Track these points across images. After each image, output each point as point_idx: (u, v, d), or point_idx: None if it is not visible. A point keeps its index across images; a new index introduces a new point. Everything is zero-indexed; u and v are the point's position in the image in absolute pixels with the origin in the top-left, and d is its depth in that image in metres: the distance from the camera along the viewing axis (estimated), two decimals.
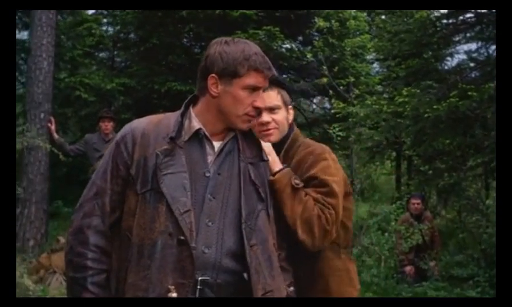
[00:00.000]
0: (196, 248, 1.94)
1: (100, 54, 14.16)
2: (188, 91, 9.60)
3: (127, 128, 2.16)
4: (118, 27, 13.40)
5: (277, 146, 2.47)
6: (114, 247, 2.06)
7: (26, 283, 7.00)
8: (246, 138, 2.19)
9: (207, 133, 2.10)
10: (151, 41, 11.20)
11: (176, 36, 11.61)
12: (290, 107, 2.60)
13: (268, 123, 2.49)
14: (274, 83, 2.50)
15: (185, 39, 12.25)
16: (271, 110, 2.51)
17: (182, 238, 1.93)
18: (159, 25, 11.20)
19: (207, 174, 2.05)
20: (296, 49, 11.45)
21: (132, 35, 13.26)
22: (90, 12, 13.54)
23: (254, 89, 2.10)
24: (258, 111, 2.22)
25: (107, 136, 8.05)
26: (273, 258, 2.09)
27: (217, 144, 2.11)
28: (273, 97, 2.51)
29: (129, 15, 11.90)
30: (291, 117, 2.61)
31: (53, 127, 8.51)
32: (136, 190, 2.01)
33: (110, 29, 14.12)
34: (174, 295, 1.90)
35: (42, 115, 8.61)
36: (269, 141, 2.45)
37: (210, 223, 1.99)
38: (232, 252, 2.00)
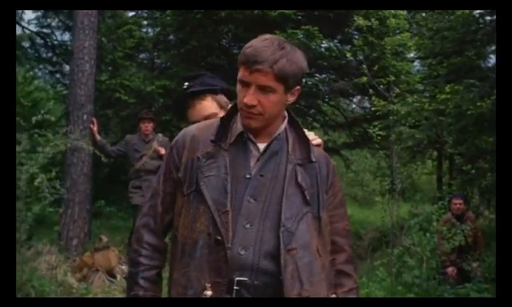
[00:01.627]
0: (232, 249, 1.96)
1: (140, 56, 14.34)
2: None
3: (180, 132, 2.24)
4: (158, 29, 13.55)
5: None
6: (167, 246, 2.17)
7: (70, 281, 7.15)
8: (296, 138, 2.17)
9: (250, 135, 2.10)
10: (190, 43, 11.30)
11: (215, 37, 11.68)
12: (230, 106, 2.61)
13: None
14: (207, 91, 2.55)
15: (224, 40, 12.33)
16: (209, 118, 2.51)
17: (219, 238, 1.97)
18: (198, 27, 11.28)
19: (247, 176, 2.05)
20: (335, 48, 11.40)
21: (171, 37, 13.39)
22: (130, 14, 13.74)
23: (242, 84, 2.06)
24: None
25: (147, 137, 8.14)
26: (314, 264, 2.05)
27: (261, 146, 2.10)
28: (207, 106, 2.57)
29: (169, 16, 12.01)
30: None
31: (95, 128, 8.66)
32: (183, 191, 2.09)
33: (150, 30, 14.30)
34: (209, 293, 1.95)
35: (85, 116, 8.76)
36: None
37: (248, 225, 2.00)
38: (270, 255, 1.99)
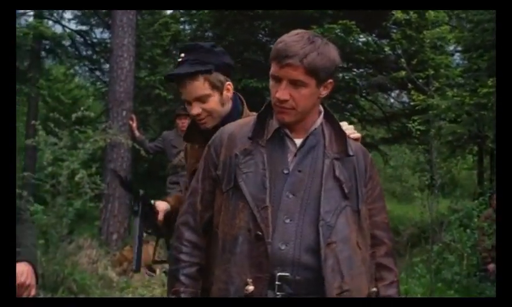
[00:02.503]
0: (272, 244, 1.98)
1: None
2: (264, 88, 9.64)
3: (218, 131, 2.27)
4: (195, 26, 13.63)
5: (218, 126, 2.45)
6: (207, 243, 2.19)
7: (110, 275, 7.27)
8: (332, 133, 2.16)
9: (287, 130, 2.11)
10: (227, 39, 11.33)
11: (252, 33, 11.69)
12: (228, 83, 2.54)
13: (198, 114, 2.50)
14: (200, 72, 2.45)
15: (260, 36, 12.32)
16: (200, 99, 2.47)
17: (259, 233, 1.98)
18: (234, 23, 11.31)
19: (285, 172, 2.06)
20: (373, 42, 11.28)
21: (208, 33, 13.46)
22: (168, 11, 13.86)
23: (274, 79, 2.07)
24: (187, 102, 2.47)
25: (183, 133, 8.20)
26: (354, 257, 2.05)
27: (298, 141, 2.11)
28: (198, 87, 2.46)
29: (205, 13, 12.07)
30: (229, 93, 2.56)
31: (134, 125, 8.76)
32: (222, 189, 2.11)
33: (187, 27, 14.40)
34: (251, 288, 1.97)
35: (124, 113, 8.88)
36: (205, 129, 2.51)
37: (288, 220, 2.01)
38: (311, 250, 1.99)
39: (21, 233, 2.43)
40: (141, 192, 2.67)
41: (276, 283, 1.97)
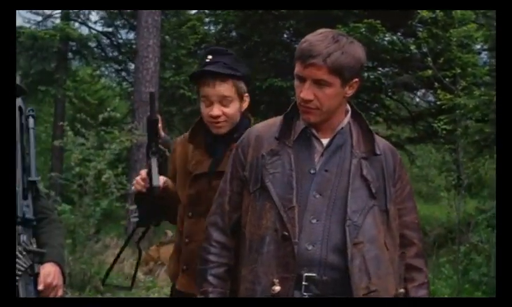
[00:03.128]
0: (299, 244, 1.97)
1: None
2: (289, 88, 9.63)
3: (245, 132, 2.26)
4: (220, 26, 13.67)
5: (228, 135, 2.47)
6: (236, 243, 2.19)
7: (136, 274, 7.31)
8: (360, 132, 2.14)
9: (313, 130, 2.10)
10: (252, 39, 11.35)
11: (277, 33, 11.69)
12: (246, 94, 2.53)
13: (218, 116, 2.45)
14: (229, 76, 2.44)
15: (285, 36, 12.33)
16: (222, 102, 2.45)
17: (286, 233, 1.98)
18: (259, 23, 11.32)
19: (312, 172, 2.05)
20: (398, 41, 11.22)
21: (233, 33, 13.49)
22: (193, 11, 13.92)
23: (299, 79, 2.05)
24: (209, 102, 2.42)
25: None
26: (382, 257, 2.02)
27: (325, 141, 2.09)
28: (225, 89, 2.44)
29: (230, 13, 12.10)
30: (245, 104, 2.55)
31: (160, 125, 8.81)
32: (249, 189, 2.11)
33: (212, 27, 14.45)
34: (277, 288, 1.96)
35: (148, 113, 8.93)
36: (218, 133, 2.48)
37: (314, 220, 2.00)
38: (338, 250, 1.98)
39: (48, 234, 2.44)
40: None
41: (303, 283, 1.96)
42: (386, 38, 11.00)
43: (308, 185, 2.03)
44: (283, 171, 2.05)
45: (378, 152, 2.11)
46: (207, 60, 2.47)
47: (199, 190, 2.48)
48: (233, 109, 2.47)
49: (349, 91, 2.08)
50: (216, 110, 2.44)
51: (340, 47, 1.99)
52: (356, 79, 2.07)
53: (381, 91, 11.94)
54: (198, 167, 2.50)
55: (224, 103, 2.44)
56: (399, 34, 11.90)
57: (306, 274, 1.96)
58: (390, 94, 13.10)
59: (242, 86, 2.50)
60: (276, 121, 2.20)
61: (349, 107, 2.17)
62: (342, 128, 2.11)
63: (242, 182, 2.15)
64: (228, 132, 2.48)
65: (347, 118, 2.14)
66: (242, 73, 2.51)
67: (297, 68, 2.05)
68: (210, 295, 2.13)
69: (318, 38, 2.02)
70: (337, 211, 2.00)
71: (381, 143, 2.16)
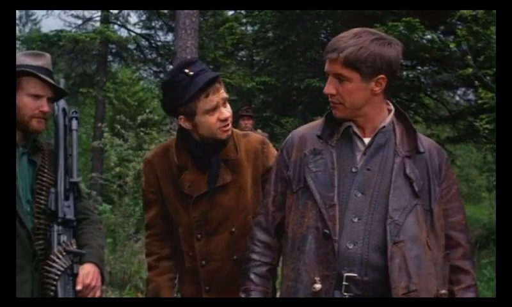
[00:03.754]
0: (340, 243, 1.97)
1: (240, 53, 14.56)
2: None
3: (290, 133, 2.29)
4: (257, 27, 13.70)
5: (219, 142, 2.43)
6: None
7: None
8: (404, 130, 2.13)
9: (355, 129, 2.10)
10: (289, 39, 11.34)
11: (314, 32, 11.65)
12: None
13: (228, 118, 2.40)
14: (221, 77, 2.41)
15: (322, 35, 12.27)
16: (225, 104, 2.40)
17: (326, 231, 1.99)
18: (296, 23, 11.30)
19: (354, 170, 2.05)
20: (438, 40, 11.04)
21: (270, 33, 13.50)
22: (230, 12, 13.99)
23: (327, 74, 2.08)
24: (213, 111, 2.33)
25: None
26: (423, 257, 1.99)
27: (367, 140, 2.09)
28: (223, 89, 2.40)
29: (267, 13, 12.12)
30: None
31: None
32: (292, 189, 2.13)
33: (249, 28, 14.49)
34: (318, 286, 1.97)
35: None
36: (226, 137, 2.42)
37: (356, 219, 2.00)
38: (380, 249, 1.96)
39: (88, 234, 2.47)
40: None
41: (344, 283, 1.96)
42: (425, 37, 10.84)
43: (350, 184, 2.04)
44: (325, 170, 2.06)
45: (421, 150, 2.09)
46: (189, 73, 2.34)
47: (203, 211, 2.45)
48: (229, 107, 2.44)
49: (376, 88, 2.05)
50: (226, 112, 2.39)
51: (359, 42, 2.00)
52: (382, 76, 2.04)
53: (420, 90, 11.80)
54: (196, 189, 2.44)
55: (225, 105, 2.41)
56: (439, 32, 11.72)
57: (346, 274, 1.96)
58: (429, 93, 12.92)
59: None
60: (320, 121, 2.22)
61: (392, 106, 2.16)
62: (384, 126, 2.10)
63: (286, 182, 2.17)
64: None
65: (390, 117, 2.13)
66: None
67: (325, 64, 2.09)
68: (252, 294, 2.16)
69: (342, 34, 2.06)
70: (379, 210, 2.00)
71: (425, 141, 2.14)
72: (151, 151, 2.69)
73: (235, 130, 2.56)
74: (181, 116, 2.40)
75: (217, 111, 2.37)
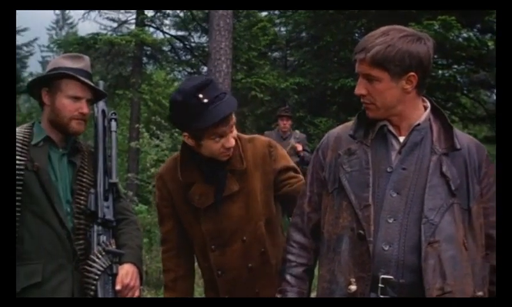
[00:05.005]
0: (375, 244, 1.93)
1: (273, 54, 14.58)
2: None
3: (326, 134, 2.27)
4: (290, 27, 13.70)
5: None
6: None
7: None
8: (441, 128, 2.07)
9: (390, 128, 2.06)
10: (324, 39, 11.31)
11: (348, 32, 11.59)
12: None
13: (232, 147, 2.37)
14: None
15: (356, 35, 12.21)
16: (232, 130, 2.36)
17: (361, 232, 1.95)
18: (330, 23, 11.27)
19: (389, 170, 2.01)
20: (475, 38, 10.88)
21: (303, 34, 13.49)
22: (263, 13, 14.02)
23: (358, 75, 2.05)
24: (219, 138, 2.30)
25: (284, 134, 8.29)
26: (459, 258, 1.94)
27: (403, 139, 2.05)
28: (233, 116, 2.35)
29: (301, 14, 12.11)
30: None
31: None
32: (328, 189, 2.11)
33: (283, 29, 14.50)
34: (353, 287, 1.94)
35: None
36: (224, 160, 2.40)
37: (391, 219, 1.95)
38: (416, 251, 1.91)
39: (127, 235, 2.49)
40: None
41: (379, 285, 1.92)
42: (462, 35, 10.69)
43: (385, 184, 1.99)
44: (360, 170, 2.02)
45: (458, 146, 2.02)
46: (203, 101, 2.27)
47: (213, 222, 2.44)
48: (235, 131, 2.42)
49: (407, 86, 1.99)
50: (232, 140, 2.37)
51: (387, 40, 1.95)
52: (412, 73, 1.97)
53: (456, 89, 11.65)
54: (205, 201, 2.43)
55: (233, 129, 2.38)
56: (475, 30, 11.56)
57: (382, 276, 1.92)
58: (465, 92, 12.75)
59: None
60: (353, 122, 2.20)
61: (428, 104, 2.11)
62: (419, 124, 2.04)
63: (321, 183, 2.15)
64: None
65: (426, 114, 2.07)
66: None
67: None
68: (288, 294, 2.15)
69: (371, 34, 2.00)
70: (415, 210, 1.94)
71: (464, 138, 2.08)
72: (163, 165, 2.68)
73: (241, 136, 2.52)
74: (186, 134, 2.39)
75: (223, 139, 2.34)
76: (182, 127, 2.41)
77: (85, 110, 2.45)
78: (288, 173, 2.51)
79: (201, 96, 2.26)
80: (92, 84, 2.47)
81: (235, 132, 2.40)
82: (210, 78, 2.48)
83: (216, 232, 2.44)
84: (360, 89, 2.03)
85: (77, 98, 2.43)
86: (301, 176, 2.51)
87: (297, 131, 8.56)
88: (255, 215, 2.45)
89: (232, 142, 2.36)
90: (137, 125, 10.07)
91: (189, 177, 2.46)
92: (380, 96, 2.00)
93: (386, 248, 1.93)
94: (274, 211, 2.51)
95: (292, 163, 2.58)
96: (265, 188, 2.48)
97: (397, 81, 1.97)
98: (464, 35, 10.83)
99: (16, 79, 14.24)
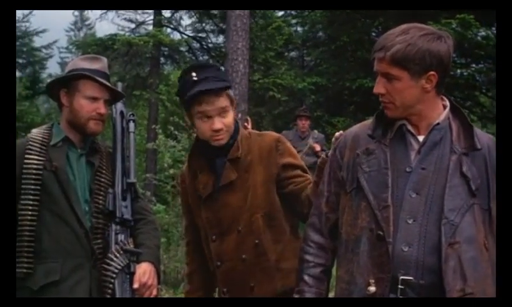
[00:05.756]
0: (394, 245, 1.91)
1: (290, 54, 14.58)
2: None
3: (343, 133, 2.24)
4: (307, 27, 13.68)
5: (226, 144, 2.44)
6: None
7: None
8: (460, 127, 2.04)
9: (409, 127, 2.03)
10: (340, 39, 11.28)
11: (365, 32, 11.55)
12: (235, 102, 2.51)
13: (220, 129, 2.39)
14: (225, 87, 2.39)
15: (374, 34, 12.16)
16: (221, 114, 2.38)
17: (380, 233, 1.93)
18: (346, 22, 11.24)
19: (408, 170, 1.98)
20: (493, 36, 10.79)
21: (320, 33, 13.46)
22: (280, 13, 14.01)
23: (377, 74, 2.02)
24: (207, 118, 2.36)
25: (303, 134, 8.28)
26: (480, 259, 1.91)
27: (421, 138, 2.02)
28: (222, 101, 2.38)
29: (317, 14, 12.09)
30: (235, 110, 2.50)
31: (249, 127, 8.93)
32: (346, 190, 2.09)
33: (299, 29, 14.49)
34: (373, 289, 1.91)
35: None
36: (218, 145, 2.42)
37: (410, 220, 1.92)
38: (436, 252, 1.89)
39: (145, 234, 2.51)
40: None
41: (399, 286, 1.90)
42: (480, 33, 10.61)
43: (404, 184, 1.96)
44: (379, 170, 2.00)
45: (478, 146, 1.99)
46: (194, 78, 2.39)
47: (213, 211, 2.46)
48: (230, 118, 2.43)
49: (427, 85, 1.96)
50: (218, 123, 2.39)
51: (407, 38, 1.92)
52: (432, 72, 1.95)
53: (475, 88, 11.57)
54: (206, 190, 2.47)
55: (223, 114, 2.40)
56: (494, 28, 11.45)
57: (402, 277, 1.89)
58: (484, 91, 12.64)
59: (231, 93, 2.47)
60: (372, 121, 2.16)
61: (448, 102, 2.08)
62: (438, 123, 2.02)
63: (339, 183, 2.13)
64: (228, 142, 2.46)
65: (445, 113, 2.04)
66: (228, 81, 2.51)
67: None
68: (306, 295, 2.13)
69: (390, 32, 1.98)
70: (434, 210, 1.92)
71: (484, 137, 2.05)
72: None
73: (251, 131, 2.58)
74: (185, 113, 2.50)
75: (210, 121, 2.38)
76: (181, 104, 2.53)
77: (102, 110, 2.47)
78: (295, 171, 2.49)
79: (193, 74, 2.39)
80: (109, 84, 2.50)
81: (227, 119, 2.41)
82: (215, 64, 2.56)
83: (215, 221, 2.45)
84: (379, 88, 2.00)
85: (94, 99, 2.46)
86: (308, 176, 2.49)
87: (315, 131, 8.56)
88: (252, 207, 2.43)
89: (218, 125, 2.39)
90: (154, 126, 10.11)
91: (196, 165, 2.52)
92: (399, 95, 1.97)
93: (406, 249, 1.90)
94: (276, 206, 2.48)
95: (299, 161, 2.56)
96: (266, 181, 2.46)
97: (417, 80, 1.95)
98: (483, 33, 10.75)
99: (34, 81, 14.39)
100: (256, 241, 2.42)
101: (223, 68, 2.55)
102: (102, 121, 2.49)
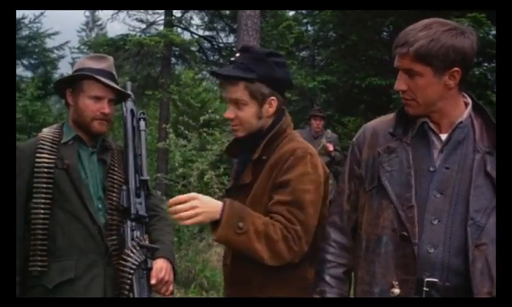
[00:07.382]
0: (419, 246, 1.87)
1: (301, 53, 14.57)
2: (389, 86, 9.49)
3: (361, 129, 2.19)
4: (317, 26, 13.67)
5: (253, 139, 2.31)
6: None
7: None
8: (483, 125, 2.00)
9: (431, 125, 1.99)
10: (350, 38, 11.26)
11: (375, 31, 11.53)
12: (272, 98, 2.30)
13: (231, 119, 2.31)
14: (240, 78, 2.25)
15: (384, 33, 12.14)
16: (236, 105, 2.29)
17: (405, 234, 1.89)
18: (357, 21, 11.22)
19: (431, 169, 1.94)
20: None
21: (331, 33, 13.45)
22: (290, 13, 14.01)
23: (397, 70, 1.97)
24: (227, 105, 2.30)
25: (317, 133, 8.27)
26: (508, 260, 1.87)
27: (444, 137, 1.98)
28: (237, 92, 2.26)
29: (328, 13, 12.08)
30: (272, 109, 2.31)
31: None
32: (365, 188, 2.05)
33: (310, 28, 14.48)
34: (397, 291, 1.88)
35: None
36: (236, 136, 2.35)
37: (435, 221, 1.88)
38: (462, 253, 1.85)
39: (160, 231, 2.53)
40: None
41: (424, 288, 1.86)
42: (492, 32, 10.53)
43: (428, 184, 1.92)
44: (401, 169, 1.95)
45: None
46: (233, 58, 2.33)
47: None
48: (247, 113, 2.29)
49: (450, 82, 1.92)
50: (230, 112, 2.31)
51: (430, 34, 1.88)
52: (456, 68, 1.91)
53: (487, 87, 11.48)
54: (229, 183, 2.44)
55: (239, 106, 2.29)
56: None
57: (427, 279, 1.86)
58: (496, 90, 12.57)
59: (261, 87, 2.28)
60: (392, 117, 2.11)
61: (469, 100, 2.04)
62: (462, 122, 1.97)
63: (359, 180, 2.08)
64: (247, 136, 2.33)
65: (468, 111, 2.00)
66: (260, 74, 2.27)
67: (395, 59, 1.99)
68: (328, 295, 2.08)
69: (412, 27, 1.93)
70: (460, 210, 1.88)
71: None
72: None
73: (292, 131, 2.40)
74: None
75: (228, 107, 2.33)
76: None
77: (107, 110, 2.48)
78: (280, 194, 2.20)
79: (237, 54, 2.34)
80: (113, 84, 2.50)
81: (241, 112, 2.29)
82: (273, 51, 2.42)
83: None
84: (400, 84, 1.96)
85: (98, 98, 2.47)
86: (288, 216, 2.17)
87: (328, 130, 8.54)
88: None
89: (228, 114, 2.32)
90: (165, 125, 10.14)
91: (231, 151, 2.50)
92: (421, 92, 1.93)
93: (432, 251, 1.87)
94: None
95: (302, 185, 2.21)
96: (270, 191, 2.25)
97: (440, 77, 1.91)
98: (495, 32, 10.67)
99: (46, 81, 14.48)
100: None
101: (271, 59, 2.32)
102: (106, 121, 2.51)
